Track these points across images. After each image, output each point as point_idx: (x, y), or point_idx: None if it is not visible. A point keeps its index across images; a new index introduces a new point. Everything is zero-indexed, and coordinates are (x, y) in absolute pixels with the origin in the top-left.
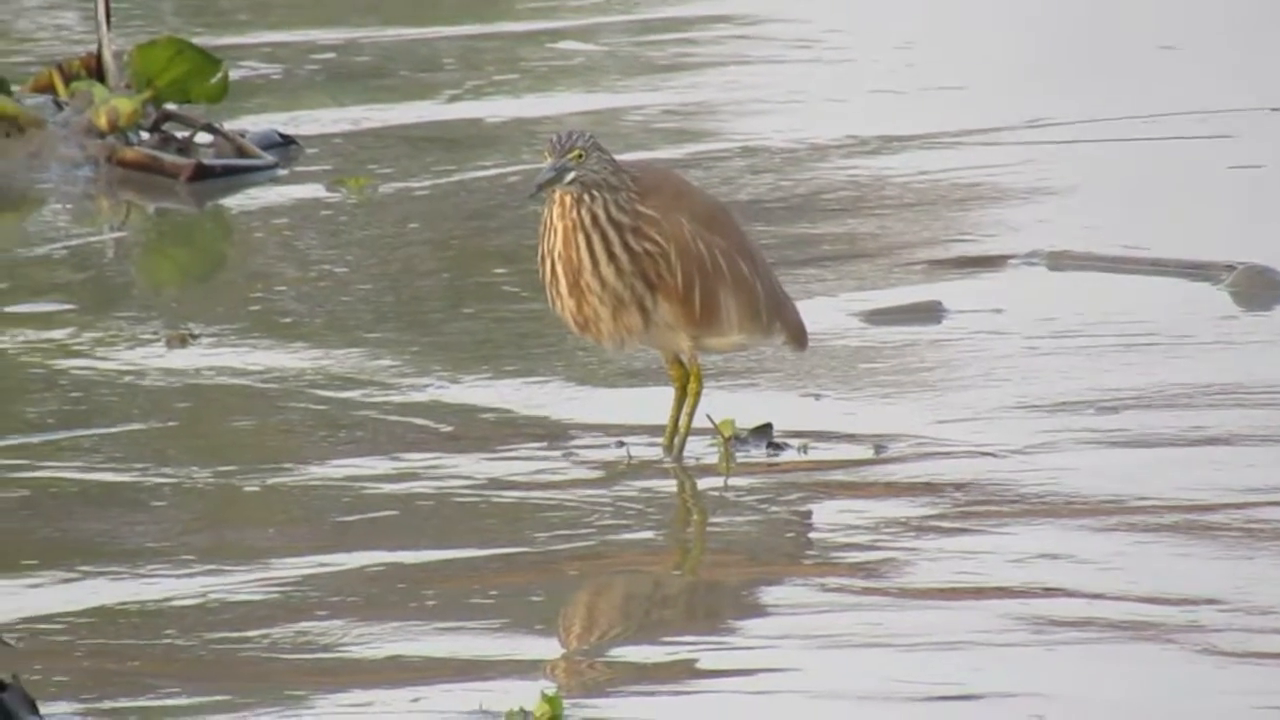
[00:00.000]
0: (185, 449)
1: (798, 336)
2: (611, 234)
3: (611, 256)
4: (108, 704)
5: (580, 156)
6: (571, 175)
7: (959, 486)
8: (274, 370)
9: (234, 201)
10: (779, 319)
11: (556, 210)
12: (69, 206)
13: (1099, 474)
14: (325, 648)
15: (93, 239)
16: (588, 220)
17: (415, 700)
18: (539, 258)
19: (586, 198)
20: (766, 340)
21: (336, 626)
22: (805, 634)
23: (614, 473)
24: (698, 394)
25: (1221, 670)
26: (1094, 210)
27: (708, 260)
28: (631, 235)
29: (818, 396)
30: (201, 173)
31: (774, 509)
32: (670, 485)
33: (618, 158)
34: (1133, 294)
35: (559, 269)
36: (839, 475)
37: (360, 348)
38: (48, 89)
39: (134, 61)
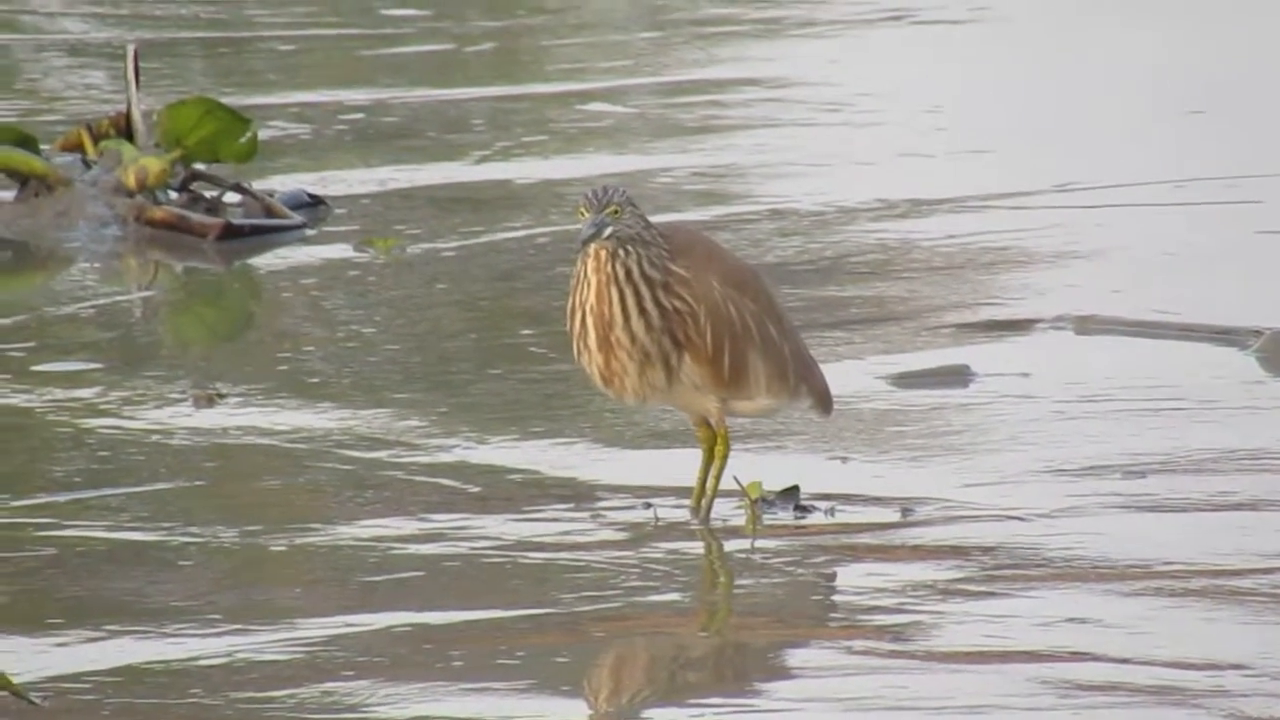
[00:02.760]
0: (212, 508)
1: (823, 401)
2: (644, 289)
3: (642, 311)
4: None
5: (617, 212)
6: (609, 230)
7: (986, 550)
8: (301, 430)
9: (262, 261)
10: (805, 383)
11: (591, 264)
12: (97, 265)
13: (1126, 538)
14: (351, 708)
15: (120, 298)
16: (621, 275)
17: None
18: (569, 310)
19: (621, 252)
20: (792, 404)
21: (363, 687)
22: (831, 697)
23: (641, 534)
24: (725, 456)
25: None
26: (1121, 275)
27: (738, 323)
28: (663, 292)
29: (845, 459)
30: (230, 232)
31: (801, 571)
32: (697, 547)
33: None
34: (1160, 358)
35: (589, 322)
36: (866, 538)
37: (387, 408)
38: (76, 148)
39: (163, 121)
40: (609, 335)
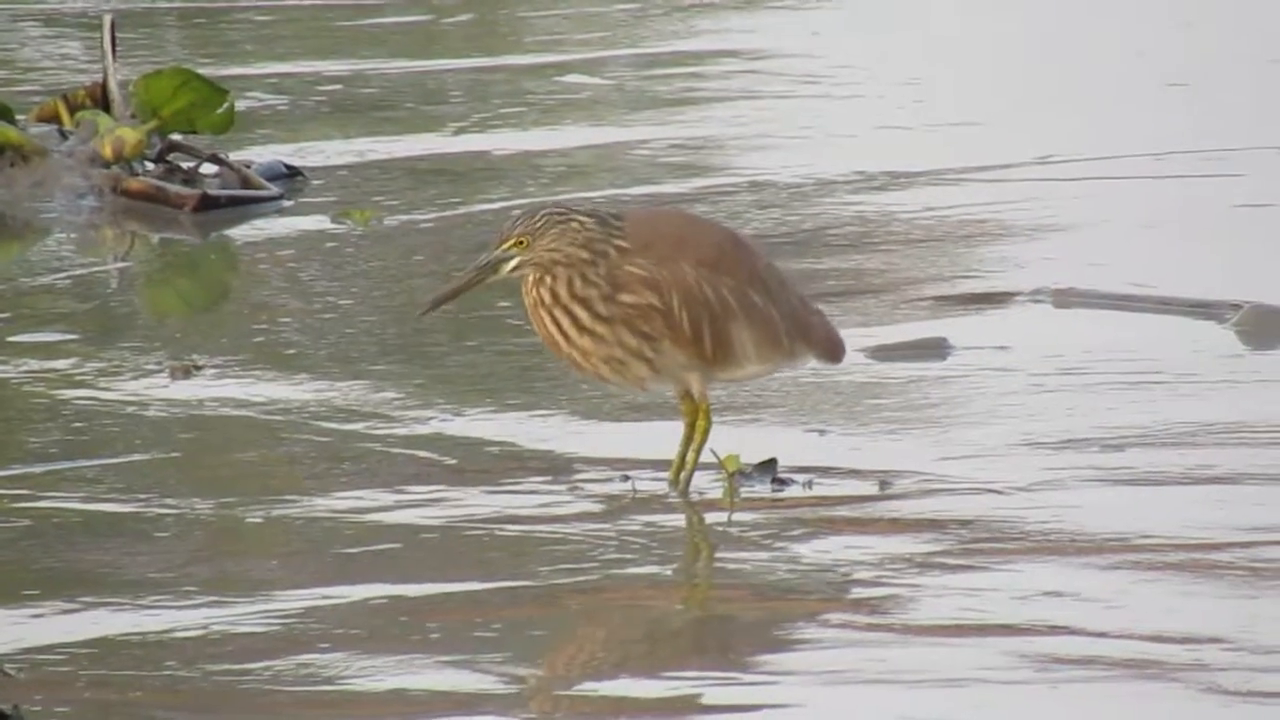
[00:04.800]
0: (188, 480)
1: (829, 350)
2: (578, 309)
3: (582, 330)
4: None
5: (523, 243)
6: (514, 262)
7: (963, 523)
8: (277, 402)
9: (239, 232)
10: (803, 340)
11: (523, 287)
12: (73, 236)
13: (1104, 511)
14: (327, 680)
15: (97, 269)
16: (547, 298)
17: None
18: None
19: (548, 278)
20: (793, 362)
21: (339, 659)
22: (809, 670)
23: (618, 507)
24: (706, 431)
25: (1225, 709)
26: (1100, 248)
27: (716, 303)
28: (604, 303)
29: (822, 432)
30: (206, 203)
31: (778, 544)
32: (675, 520)
33: (629, 193)
34: (1138, 332)
35: (544, 341)
36: (843, 511)
37: (364, 380)
38: (53, 118)
39: (139, 91)
40: (563, 351)
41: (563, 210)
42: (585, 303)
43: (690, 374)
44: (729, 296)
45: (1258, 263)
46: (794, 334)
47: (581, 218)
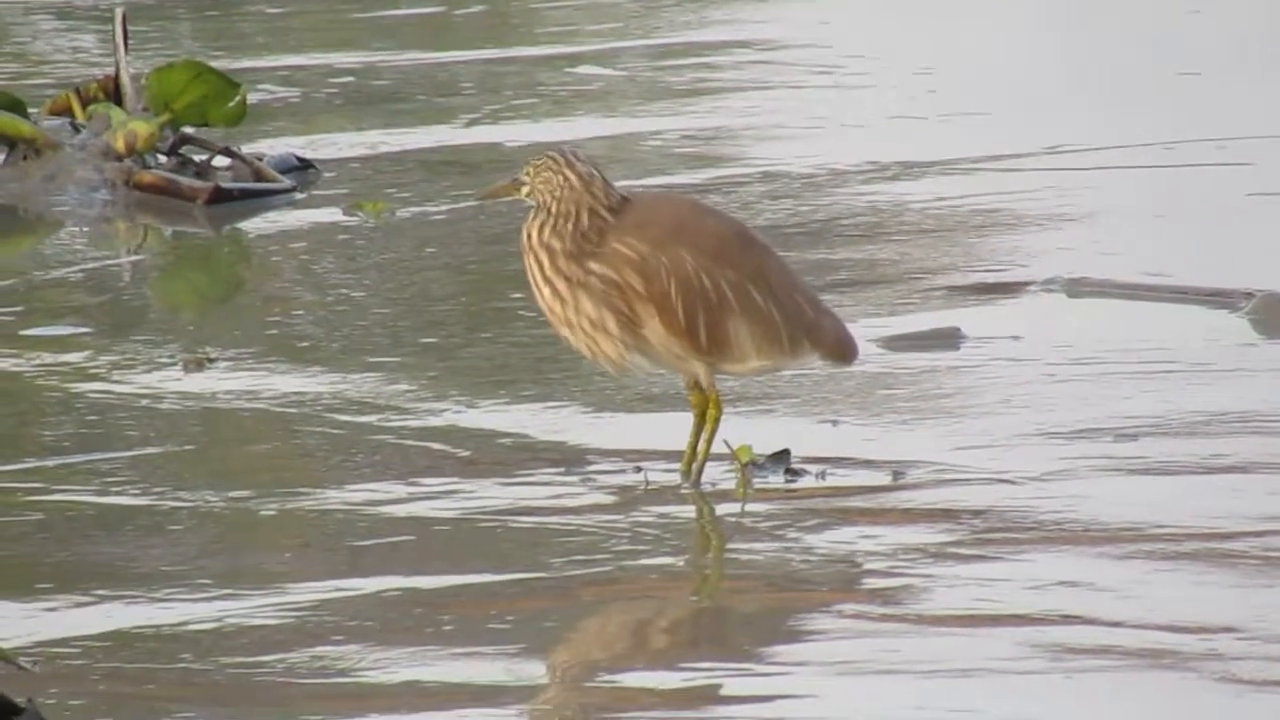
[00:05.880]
0: (201, 473)
1: (838, 352)
2: (542, 255)
3: (546, 280)
4: None
5: (530, 174)
6: (526, 188)
7: (977, 513)
8: (291, 394)
9: (251, 225)
10: (808, 339)
11: None
12: (86, 229)
13: (1117, 501)
14: (341, 672)
15: (110, 262)
16: (523, 241)
17: None
18: None
19: (529, 218)
20: (796, 362)
21: (352, 651)
22: (823, 660)
23: (631, 498)
24: (716, 420)
25: (1239, 699)
26: (1113, 237)
27: (712, 293)
28: (566, 259)
29: (835, 422)
30: (219, 196)
31: (791, 535)
32: (687, 511)
33: (635, 184)
34: (1151, 321)
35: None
36: (856, 501)
37: (377, 372)
38: (65, 112)
39: (152, 84)
40: (541, 302)
41: (561, 160)
42: (549, 251)
43: (692, 364)
44: (727, 289)
45: (1271, 251)
46: (797, 334)
47: (573, 175)
